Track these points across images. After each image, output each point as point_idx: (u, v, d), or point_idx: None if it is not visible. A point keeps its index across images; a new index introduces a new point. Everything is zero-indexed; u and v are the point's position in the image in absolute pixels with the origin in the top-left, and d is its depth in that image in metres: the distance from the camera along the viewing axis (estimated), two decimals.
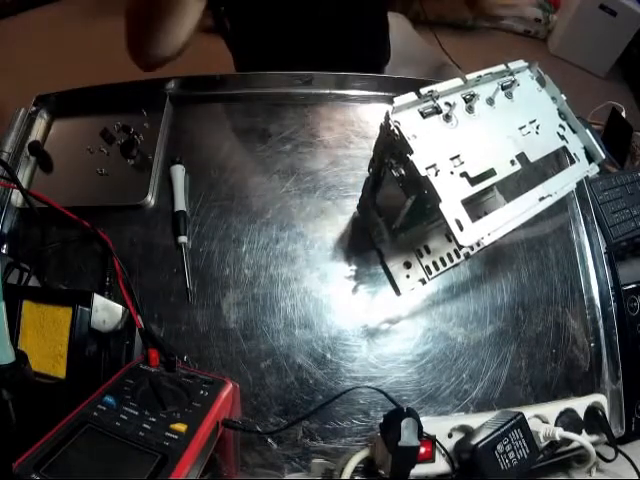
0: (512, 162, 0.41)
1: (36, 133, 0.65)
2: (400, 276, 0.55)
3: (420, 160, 0.37)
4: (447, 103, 0.41)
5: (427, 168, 0.37)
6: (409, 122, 0.39)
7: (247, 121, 0.67)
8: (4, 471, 0.33)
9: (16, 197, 0.59)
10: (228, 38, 0.94)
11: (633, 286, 0.59)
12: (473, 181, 0.39)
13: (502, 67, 0.45)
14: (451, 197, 0.37)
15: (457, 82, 0.41)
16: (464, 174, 0.39)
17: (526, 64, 0.47)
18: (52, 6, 2.02)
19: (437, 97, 0.40)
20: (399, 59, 0.94)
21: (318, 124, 0.66)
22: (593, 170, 0.46)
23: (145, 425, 0.37)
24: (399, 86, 0.69)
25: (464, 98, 0.42)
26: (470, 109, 0.42)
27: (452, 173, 0.38)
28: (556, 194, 0.42)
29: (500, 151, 0.41)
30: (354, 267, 0.57)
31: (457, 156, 0.39)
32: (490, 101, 0.43)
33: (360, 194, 0.58)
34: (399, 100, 0.38)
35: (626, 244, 0.62)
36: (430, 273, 0.55)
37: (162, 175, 0.61)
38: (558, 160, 0.64)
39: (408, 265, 0.55)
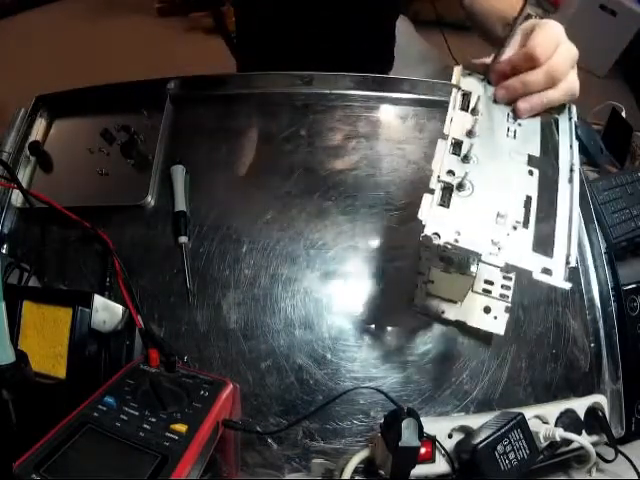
0: (530, 172, 0.41)
1: (36, 133, 0.65)
2: (490, 324, 0.52)
3: (485, 254, 0.36)
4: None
5: (490, 254, 0.36)
6: (445, 222, 0.37)
7: (247, 121, 0.67)
8: (4, 471, 0.33)
9: (16, 197, 0.59)
10: (230, 38, 0.95)
11: (633, 286, 0.59)
12: (525, 222, 0.38)
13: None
14: (521, 253, 0.36)
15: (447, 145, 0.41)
16: (517, 224, 0.38)
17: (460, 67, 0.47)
18: (52, 6, 2.03)
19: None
20: (401, 60, 0.94)
21: (318, 124, 0.66)
22: (573, 112, 0.46)
23: (145, 425, 0.37)
24: (399, 86, 0.69)
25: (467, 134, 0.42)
26: (471, 133, 0.42)
27: (508, 235, 0.37)
28: (574, 163, 0.42)
29: (517, 170, 0.41)
30: (354, 267, 0.57)
31: (498, 213, 0.38)
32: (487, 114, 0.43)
33: (360, 193, 0.58)
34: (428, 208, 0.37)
35: (626, 244, 0.62)
36: (508, 297, 0.52)
37: (162, 175, 0.61)
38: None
39: (487, 310, 0.52)
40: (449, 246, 0.36)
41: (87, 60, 1.72)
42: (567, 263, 0.36)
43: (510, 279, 0.53)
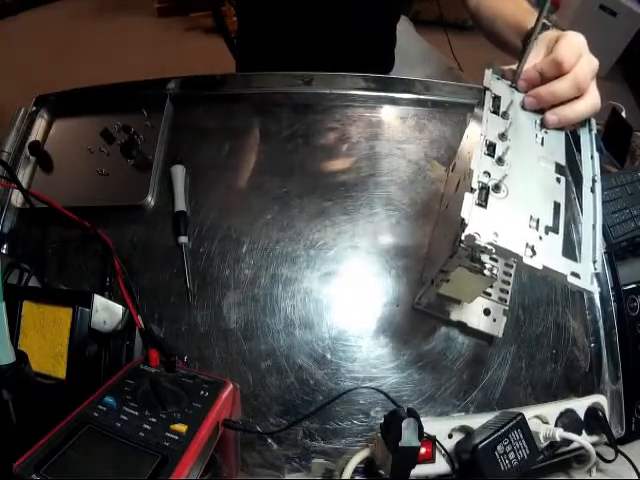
0: (558, 180, 0.41)
1: (36, 133, 0.65)
2: (489, 326, 0.52)
3: (524, 257, 0.36)
4: (486, 172, 0.40)
5: (526, 256, 0.36)
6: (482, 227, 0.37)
7: (247, 121, 0.67)
8: (4, 471, 0.33)
9: (16, 197, 0.59)
10: (230, 39, 0.94)
11: (633, 286, 0.59)
12: (555, 227, 0.38)
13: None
14: (553, 257, 0.36)
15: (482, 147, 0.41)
16: (548, 229, 0.38)
17: (490, 70, 0.47)
18: (52, 6, 2.03)
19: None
20: (401, 60, 0.94)
21: (318, 124, 0.66)
22: (593, 125, 0.46)
23: (145, 425, 0.37)
24: (399, 86, 0.69)
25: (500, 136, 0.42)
26: (503, 136, 0.42)
27: (541, 239, 0.37)
28: (595, 174, 0.42)
29: (545, 176, 0.41)
30: (354, 267, 0.57)
31: (531, 217, 0.38)
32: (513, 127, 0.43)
33: (360, 193, 0.58)
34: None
35: (626, 244, 0.62)
36: (506, 301, 0.53)
37: (162, 175, 0.61)
38: None
39: (487, 312, 0.53)
40: (489, 246, 0.36)
41: (87, 60, 1.72)
42: (593, 268, 0.37)
43: (508, 283, 0.53)
